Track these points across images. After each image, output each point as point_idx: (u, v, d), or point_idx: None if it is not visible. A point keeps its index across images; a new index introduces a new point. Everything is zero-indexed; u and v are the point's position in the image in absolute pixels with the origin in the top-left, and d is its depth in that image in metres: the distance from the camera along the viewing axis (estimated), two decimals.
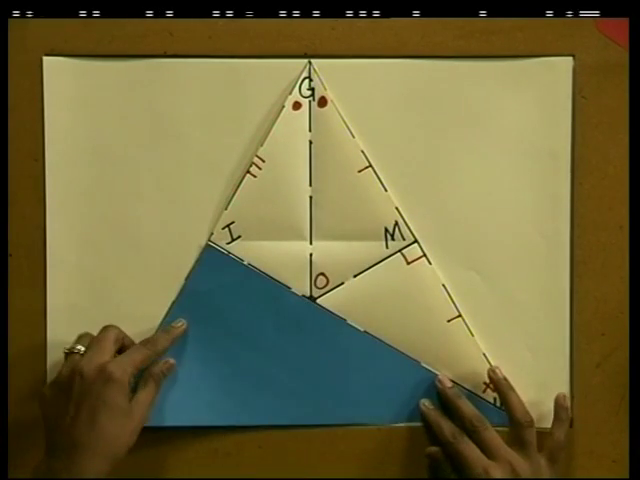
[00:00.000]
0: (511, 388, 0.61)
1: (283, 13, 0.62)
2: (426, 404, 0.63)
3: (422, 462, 0.64)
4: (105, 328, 0.59)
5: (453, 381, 0.64)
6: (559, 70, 0.63)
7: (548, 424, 0.63)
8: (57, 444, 0.53)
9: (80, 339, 0.59)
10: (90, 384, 0.53)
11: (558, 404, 0.62)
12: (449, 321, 0.64)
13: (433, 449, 0.62)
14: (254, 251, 0.63)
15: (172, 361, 0.60)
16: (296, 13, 0.62)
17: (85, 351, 0.57)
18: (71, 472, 0.51)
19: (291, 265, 0.64)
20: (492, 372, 0.62)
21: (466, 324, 0.64)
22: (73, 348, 0.58)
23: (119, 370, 0.54)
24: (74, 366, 0.55)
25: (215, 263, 0.63)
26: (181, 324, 0.62)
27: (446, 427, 0.60)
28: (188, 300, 0.63)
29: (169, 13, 0.62)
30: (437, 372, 0.64)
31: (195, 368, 0.62)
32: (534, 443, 0.59)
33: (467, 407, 0.61)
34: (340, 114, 0.63)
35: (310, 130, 0.63)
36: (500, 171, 0.64)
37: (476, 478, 0.57)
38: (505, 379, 0.62)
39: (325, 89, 0.63)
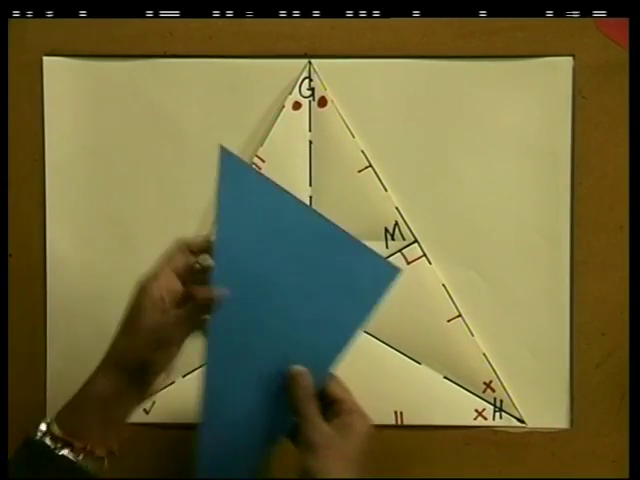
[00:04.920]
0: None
1: (283, 13, 0.62)
2: None
3: (420, 462, 0.64)
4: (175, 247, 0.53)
5: (452, 380, 0.64)
6: (559, 70, 0.63)
7: (547, 424, 0.63)
8: None
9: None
10: (132, 298, 0.52)
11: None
12: (449, 321, 0.64)
13: None
14: None
15: (215, 294, 0.51)
16: (296, 13, 0.62)
17: None
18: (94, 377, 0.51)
19: None
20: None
21: (466, 324, 0.64)
22: None
23: (154, 288, 0.51)
24: None
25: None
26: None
27: None
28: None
29: (169, 13, 0.62)
30: (437, 372, 0.64)
31: None
32: None
33: None
34: (340, 114, 0.63)
35: (310, 130, 0.63)
36: (500, 171, 0.64)
37: None
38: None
39: (325, 89, 0.63)
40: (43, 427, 0.50)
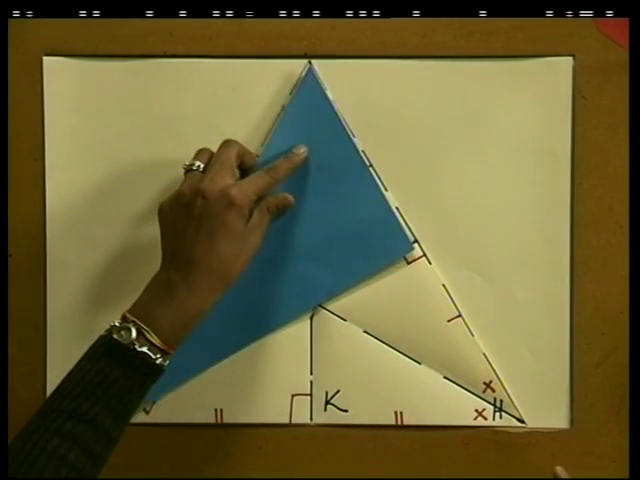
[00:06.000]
0: None
1: (283, 13, 0.62)
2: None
3: (420, 462, 0.64)
4: (226, 143, 0.57)
5: (452, 380, 0.64)
6: (559, 70, 0.63)
7: (547, 424, 0.63)
8: (176, 258, 0.53)
9: (199, 155, 0.57)
10: (212, 206, 0.53)
11: None
12: (449, 321, 0.64)
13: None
14: None
15: (290, 198, 0.59)
16: (296, 13, 0.62)
17: (205, 168, 0.56)
18: (188, 286, 0.52)
19: None
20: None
21: (466, 324, 0.64)
22: (192, 164, 0.56)
23: (241, 196, 0.53)
24: (196, 185, 0.54)
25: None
26: (303, 151, 0.60)
27: None
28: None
29: (169, 13, 0.62)
30: (437, 372, 0.64)
31: None
32: None
33: None
34: (340, 114, 0.63)
35: None
36: (500, 171, 0.64)
37: None
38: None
39: (325, 89, 0.63)
40: (134, 334, 0.50)
